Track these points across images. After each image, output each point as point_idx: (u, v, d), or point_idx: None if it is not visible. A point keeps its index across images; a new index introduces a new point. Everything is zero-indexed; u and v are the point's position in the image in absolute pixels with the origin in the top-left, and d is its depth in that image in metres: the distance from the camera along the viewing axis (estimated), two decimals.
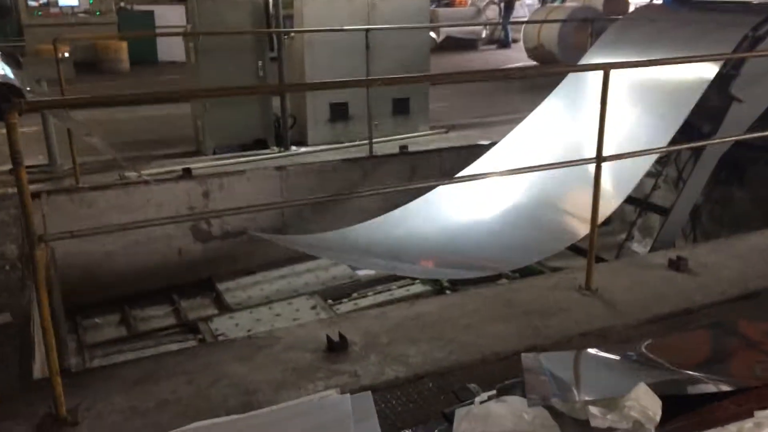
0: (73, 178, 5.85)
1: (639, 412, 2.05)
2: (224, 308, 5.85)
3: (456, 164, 6.60)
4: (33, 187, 5.67)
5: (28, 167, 6.03)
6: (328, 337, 2.99)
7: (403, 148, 7.21)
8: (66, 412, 2.53)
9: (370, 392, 2.39)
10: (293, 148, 7.51)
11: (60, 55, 6.17)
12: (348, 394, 2.38)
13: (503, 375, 2.67)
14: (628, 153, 4.00)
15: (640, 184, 5.77)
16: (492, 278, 5.49)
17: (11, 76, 4.07)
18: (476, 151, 6.66)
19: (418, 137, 8.04)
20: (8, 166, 6.07)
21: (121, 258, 5.88)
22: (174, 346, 5.25)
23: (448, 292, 5.65)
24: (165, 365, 2.89)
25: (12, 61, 4.64)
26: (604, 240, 5.86)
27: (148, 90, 9.19)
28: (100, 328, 5.64)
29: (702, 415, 2.16)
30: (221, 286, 6.12)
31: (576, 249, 5.88)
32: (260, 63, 7.36)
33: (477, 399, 2.40)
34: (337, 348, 2.94)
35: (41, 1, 14.91)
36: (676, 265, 3.80)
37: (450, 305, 3.40)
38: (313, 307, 5.70)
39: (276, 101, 7.67)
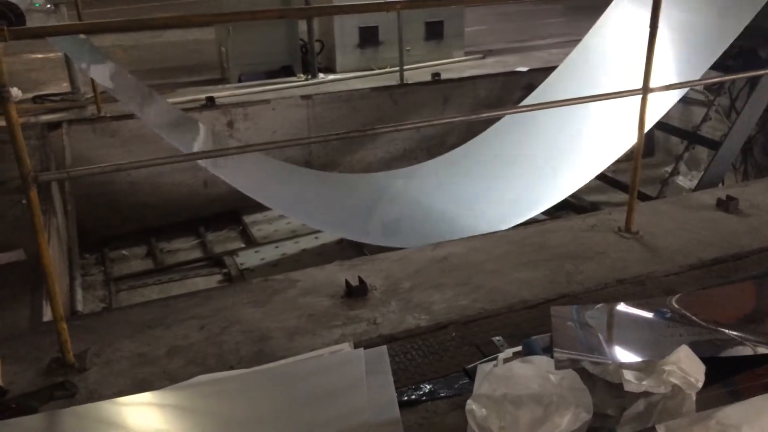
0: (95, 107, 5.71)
1: (679, 378, 1.85)
2: (250, 242, 5.76)
3: (492, 93, 6.26)
4: (55, 116, 5.59)
5: (50, 95, 5.92)
6: (347, 281, 2.83)
7: (436, 75, 6.87)
8: (74, 358, 2.45)
9: (385, 347, 2.23)
10: (320, 75, 7.23)
11: None
12: (362, 350, 2.22)
13: (531, 326, 2.49)
14: (677, 84, 3.65)
15: (689, 114, 5.39)
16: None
17: None
18: (513, 79, 6.31)
19: (452, 64, 7.66)
20: (33, 93, 5.99)
21: (147, 189, 5.79)
22: (199, 280, 5.21)
23: None
24: (176, 309, 2.78)
25: None
26: (648, 173, 5.54)
27: (168, 12, 8.90)
28: (127, 260, 5.62)
29: (737, 383, 1.95)
30: (247, 219, 6.02)
31: (617, 184, 5.57)
32: None
33: (501, 355, 2.23)
34: (356, 293, 2.78)
35: None
36: (725, 205, 3.51)
37: (477, 248, 3.20)
38: (339, 242, 5.56)
39: (303, 25, 7.34)
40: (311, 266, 3.12)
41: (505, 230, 3.61)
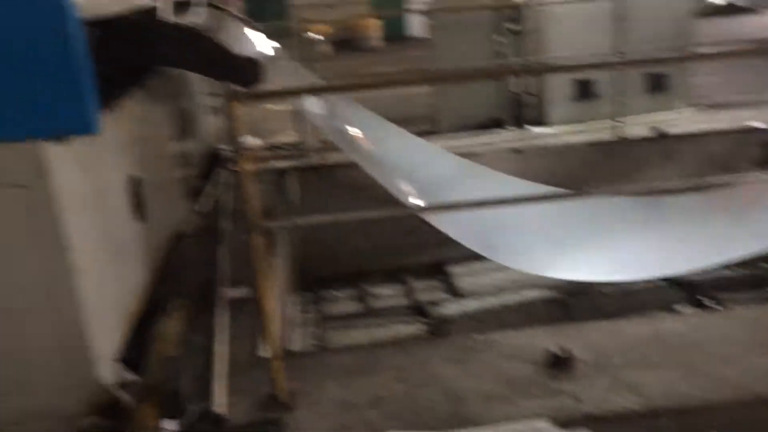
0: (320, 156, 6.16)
1: None
2: (454, 293, 5.80)
3: (722, 151, 5.75)
4: (283, 164, 6.13)
5: (281, 144, 6.45)
6: (551, 349, 2.71)
7: (657, 130, 6.46)
8: (285, 395, 2.61)
9: (586, 431, 2.09)
10: (532, 128, 7.15)
11: (317, 35, 6.54)
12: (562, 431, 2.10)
13: (764, 427, 2.19)
14: None
15: None
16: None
17: (259, 51, 4.32)
18: (748, 136, 5.74)
19: (676, 118, 7.17)
20: (267, 142, 6.60)
21: (359, 235, 6.09)
22: (402, 327, 5.35)
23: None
24: (380, 357, 2.86)
25: (263, 36, 4.92)
26: None
27: (390, 66, 9.39)
28: (338, 301, 5.94)
29: None
30: (452, 270, 6.07)
31: None
32: (498, 39, 7.09)
33: None
34: (559, 363, 2.65)
35: None
36: None
37: (702, 326, 2.91)
38: (546, 302, 5.38)
39: (514, 78, 7.35)
40: (513, 323, 3.06)
41: (735, 309, 3.24)
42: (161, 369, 2.68)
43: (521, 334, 2.99)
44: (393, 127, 4.52)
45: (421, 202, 4.02)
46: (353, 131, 3.68)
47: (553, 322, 4.22)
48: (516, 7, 7.14)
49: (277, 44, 4.98)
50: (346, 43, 15.21)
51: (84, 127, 2.20)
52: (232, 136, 5.64)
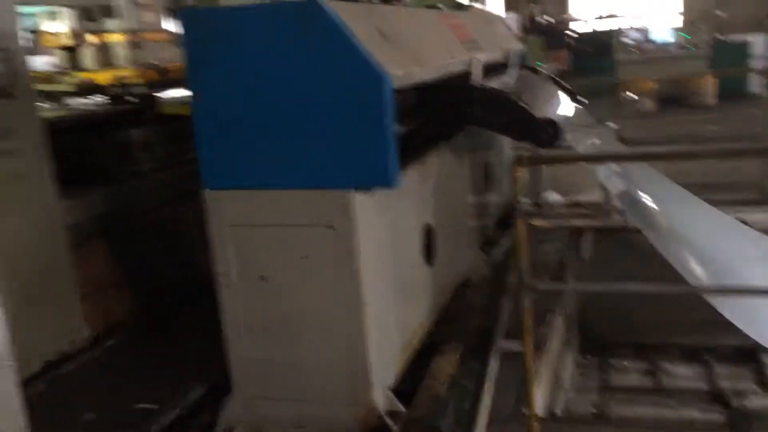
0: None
1: None
2: (765, 385, 5.07)
3: None
4: (581, 222, 6.02)
5: (580, 203, 6.36)
6: None
7: None
8: None
9: None
10: None
11: (635, 93, 6.38)
12: None
13: None
14: None
15: None
16: None
17: (562, 112, 4.38)
18: None
19: None
20: (568, 198, 6.57)
21: (655, 304, 5.69)
22: (696, 413, 4.85)
23: None
24: None
25: (573, 97, 4.97)
26: None
27: (723, 126, 8.55)
28: (626, 372, 5.61)
29: None
30: (766, 359, 5.33)
31: None
32: None
33: None
34: None
35: (637, 39, 15.66)
36: None
37: None
38: None
39: None
40: None
41: None
42: (428, 405, 2.88)
43: None
44: (694, 200, 4.19)
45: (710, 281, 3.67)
46: (645, 198, 3.52)
47: None
48: None
49: (583, 104, 5.01)
50: (674, 99, 14.35)
51: (385, 181, 2.55)
52: (532, 192, 5.79)
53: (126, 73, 4.16)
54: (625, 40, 15.62)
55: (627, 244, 5.62)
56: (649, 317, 5.74)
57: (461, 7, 5.86)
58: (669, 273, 3.37)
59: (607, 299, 5.65)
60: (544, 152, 5.01)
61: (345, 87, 2.44)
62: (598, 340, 5.75)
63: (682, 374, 5.44)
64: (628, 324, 5.79)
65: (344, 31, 2.43)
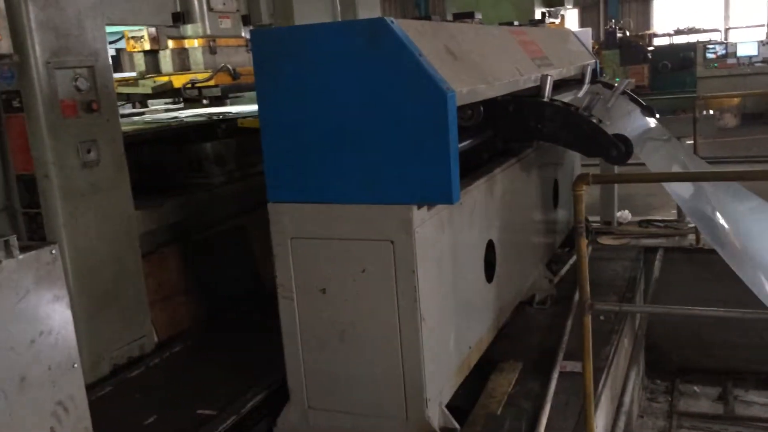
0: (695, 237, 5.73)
1: None
2: None
3: None
4: (655, 241, 5.84)
5: (655, 220, 6.18)
6: None
7: None
8: None
9: None
10: None
11: (717, 110, 6.16)
12: None
13: None
14: None
15: None
16: None
17: (635, 128, 4.27)
18: None
19: None
20: (640, 217, 6.38)
21: (734, 328, 5.46)
22: None
23: None
24: None
25: (647, 112, 4.85)
26: None
27: None
28: (696, 398, 5.40)
29: None
30: None
31: None
32: None
33: None
34: None
35: (719, 53, 15.05)
36: None
37: None
38: None
39: None
40: None
41: None
42: (483, 424, 2.86)
43: None
44: None
45: None
46: (718, 215, 3.37)
47: None
48: None
49: (657, 120, 4.87)
50: (758, 115, 13.75)
51: (447, 198, 2.56)
52: (604, 210, 5.63)
53: (200, 76, 4.32)
54: (707, 54, 15.06)
55: (701, 264, 5.42)
56: (722, 341, 5.51)
57: (535, 23, 5.82)
58: (747, 296, 3.22)
59: (677, 321, 5.46)
60: (616, 169, 4.89)
61: (410, 103, 2.47)
62: (668, 364, 5.56)
63: (759, 402, 5.18)
64: (699, 348, 5.57)
65: (410, 48, 2.46)
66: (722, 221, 3.37)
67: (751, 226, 3.71)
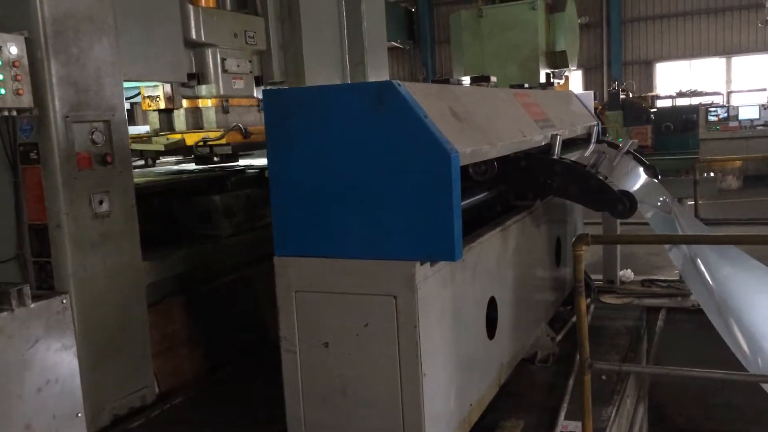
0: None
1: None
2: None
3: None
4: (657, 301, 5.84)
5: (658, 280, 6.19)
6: None
7: None
8: None
9: None
10: None
11: (719, 171, 6.26)
12: None
13: None
14: None
15: None
16: None
17: (638, 186, 4.35)
18: None
19: None
20: (643, 277, 6.39)
21: (732, 390, 5.39)
22: None
23: None
24: None
25: (650, 172, 4.94)
26: None
27: None
28: None
29: None
30: None
31: None
32: None
33: None
34: None
35: (721, 116, 15.29)
36: None
37: None
38: None
39: None
40: None
41: None
42: None
43: None
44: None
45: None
46: (712, 284, 3.40)
47: None
48: None
49: (659, 180, 4.96)
50: (760, 178, 13.88)
51: (450, 255, 2.61)
52: (607, 269, 5.63)
53: (212, 134, 4.45)
54: (709, 117, 15.31)
55: (702, 325, 5.40)
56: (726, 403, 5.44)
57: (543, 86, 6.00)
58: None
59: (681, 382, 5.41)
60: (618, 227, 4.93)
61: (414, 162, 2.55)
62: (671, 425, 5.48)
63: None
64: (703, 409, 5.50)
65: (416, 109, 2.56)
66: (706, 275, 3.40)
67: (734, 286, 3.73)
